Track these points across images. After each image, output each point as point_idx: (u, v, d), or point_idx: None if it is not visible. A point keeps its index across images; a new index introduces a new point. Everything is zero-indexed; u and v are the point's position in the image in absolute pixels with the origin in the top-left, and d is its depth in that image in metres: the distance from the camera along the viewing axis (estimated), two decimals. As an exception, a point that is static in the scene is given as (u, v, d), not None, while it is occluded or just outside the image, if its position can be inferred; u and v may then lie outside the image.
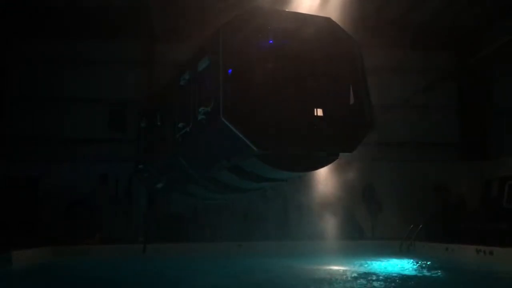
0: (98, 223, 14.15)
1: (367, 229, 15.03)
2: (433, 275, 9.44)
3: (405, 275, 9.38)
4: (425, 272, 9.70)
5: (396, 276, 9.06)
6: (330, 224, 12.14)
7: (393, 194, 14.91)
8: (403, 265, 10.75)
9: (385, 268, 10.39)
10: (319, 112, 7.23)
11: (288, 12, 7.63)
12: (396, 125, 15.70)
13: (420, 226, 13.17)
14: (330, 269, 10.10)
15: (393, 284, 8.28)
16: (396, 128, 15.79)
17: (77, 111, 15.79)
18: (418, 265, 10.58)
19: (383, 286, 8.06)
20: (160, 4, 14.56)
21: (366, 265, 10.63)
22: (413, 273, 9.66)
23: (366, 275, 9.09)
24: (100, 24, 15.15)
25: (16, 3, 14.59)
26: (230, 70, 6.80)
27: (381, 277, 8.84)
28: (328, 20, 7.50)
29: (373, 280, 8.53)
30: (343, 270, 9.85)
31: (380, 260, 11.35)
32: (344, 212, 13.62)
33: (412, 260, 11.21)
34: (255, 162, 7.13)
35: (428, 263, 10.60)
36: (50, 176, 14.91)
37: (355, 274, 9.22)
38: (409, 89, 15.90)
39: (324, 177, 10.79)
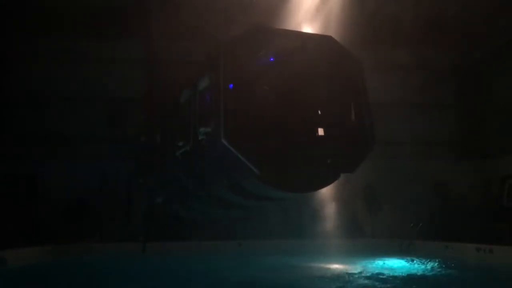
0: (98, 223, 14.14)
1: (367, 228, 15.01)
2: (434, 273, 9.43)
3: (405, 274, 9.36)
4: (426, 271, 9.69)
5: (396, 275, 9.05)
6: (330, 223, 12.13)
7: (393, 193, 14.88)
8: (403, 264, 10.73)
9: (385, 267, 10.38)
10: (320, 131, 7.21)
11: (289, 30, 7.59)
12: (396, 124, 15.66)
13: (420, 224, 13.18)
14: (331, 268, 10.09)
15: (393, 282, 8.27)
16: (396, 128, 15.75)
17: (76, 110, 15.73)
18: (419, 264, 10.57)
19: (383, 285, 8.05)
20: (160, 4, 14.56)
21: (366, 264, 10.60)
22: (414, 271, 9.65)
23: (366, 274, 9.08)
24: (100, 23, 15.13)
25: (16, 2, 14.58)
26: (231, 85, 6.74)
27: (381, 276, 8.82)
28: (329, 38, 7.45)
29: (374, 279, 8.52)
30: (344, 269, 9.84)
31: (380, 259, 11.33)
32: (344, 211, 13.60)
33: (412, 259, 11.20)
34: (256, 182, 7.07)
35: (429, 261, 10.59)
36: (50, 175, 14.90)
37: (356, 273, 9.21)
38: (409, 88, 15.89)
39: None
